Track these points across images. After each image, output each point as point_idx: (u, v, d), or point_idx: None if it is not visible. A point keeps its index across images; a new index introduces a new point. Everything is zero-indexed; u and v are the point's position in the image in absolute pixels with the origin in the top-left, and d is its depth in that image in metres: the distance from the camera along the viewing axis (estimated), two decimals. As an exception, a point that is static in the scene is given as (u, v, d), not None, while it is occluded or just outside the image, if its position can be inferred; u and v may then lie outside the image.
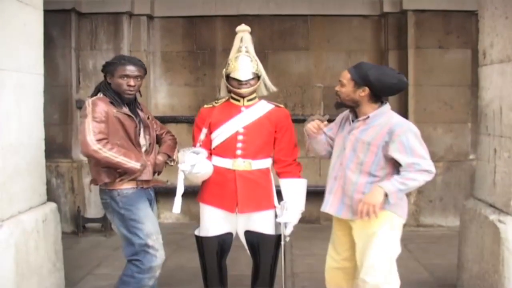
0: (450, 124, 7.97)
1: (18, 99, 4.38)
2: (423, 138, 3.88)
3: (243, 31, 4.50)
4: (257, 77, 4.41)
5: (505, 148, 4.47)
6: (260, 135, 4.40)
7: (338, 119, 4.23)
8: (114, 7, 7.99)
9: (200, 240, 4.53)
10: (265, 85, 4.53)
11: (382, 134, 3.85)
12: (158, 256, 4.11)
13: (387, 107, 3.98)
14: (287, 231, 4.35)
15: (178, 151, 4.28)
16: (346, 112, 4.16)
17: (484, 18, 4.84)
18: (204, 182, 4.44)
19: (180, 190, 4.18)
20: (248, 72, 4.35)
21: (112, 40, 8.09)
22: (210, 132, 4.44)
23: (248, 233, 4.46)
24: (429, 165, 3.82)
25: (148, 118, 4.33)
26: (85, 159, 7.65)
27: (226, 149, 4.38)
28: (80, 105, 7.70)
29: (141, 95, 4.32)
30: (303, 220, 4.51)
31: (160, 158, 4.28)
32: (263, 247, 4.48)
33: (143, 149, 4.17)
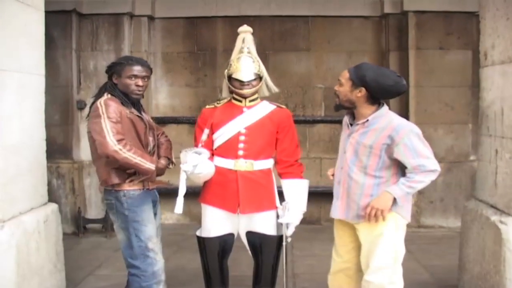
0: (451, 125, 7.98)
1: (19, 100, 4.38)
2: (424, 138, 3.88)
3: (245, 32, 4.50)
4: (259, 78, 4.41)
5: (507, 149, 4.47)
6: (262, 135, 4.40)
7: (343, 124, 4.21)
8: (115, 8, 7.99)
9: (201, 241, 4.53)
10: (267, 85, 4.53)
11: (383, 136, 3.84)
12: (158, 259, 4.11)
13: (385, 109, 3.97)
14: (288, 232, 4.35)
15: (180, 152, 4.26)
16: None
17: (486, 19, 4.84)
18: (206, 182, 4.44)
19: (182, 191, 4.17)
20: (250, 73, 4.35)
21: (113, 41, 8.09)
22: (212, 132, 4.43)
23: (249, 234, 4.46)
24: (434, 164, 3.82)
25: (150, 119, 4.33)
26: (85, 159, 7.76)
27: (228, 149, 4.38)
28: (81, 106, 7.75)
29: (143, 96, 4.32)
30: (304, 221, 4.50)
31: (163, 162, 4.26)
32: (265, 248, 4.47)
33: (148, 149, 4.16)
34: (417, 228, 7.82)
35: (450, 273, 5.55)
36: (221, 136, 4.39)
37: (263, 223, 4.42)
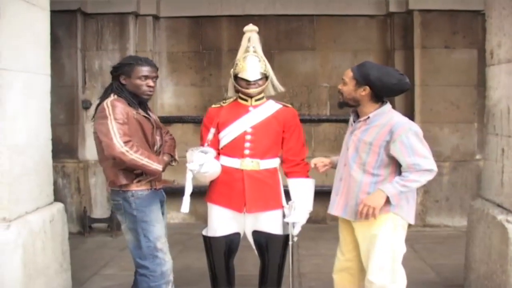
0: (457, 124, 7.95)
1: (25, 100, 4.38)
2: (429, 138, 3.89)
3: (251, 31, 4.50)
4: (265, 77, 4.41)
5: (513, 148, 4.46)
6: (268, 134, 4.40)
7: (349, 123, 4.23)
8: (120, 7, 7.99)
9: (207, 240, 4.53)
10: (273, 85, 4.53)
11: (383, 134, 3.86)
12: (167, 259, 4.10)
13: (387, 106, 3.98)
14: (295, 231, 4.34)
15: (186, 151, 4.26)
16: (352, 115, 4.17)
17: (492, 18, 4.83)
18: (212, 182, 4.44)
19: (188, 190, 4.16)
20: (256, 72, 4.34)
21: (118, 41, 8.09)
22: (218, 131, 4.43)
23: (256, 233, 4.46)
24: (430, 164, 3.81)
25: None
26: (91, 159, 7.77)
27: (234, 148, 4.38)
28: (86, 105, 7.75)
29: None
30: (309, 220, 4.50)
31: (166, 158, 4.25)
32: (271, 247, 4.47)
33: (154, 149, 4.15)
34: (423, 227, 7.81)
35: (456, 272, 5.55)
36: (227, 135, 4.39)
37: (269, 222, 4.43)
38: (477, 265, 4.84)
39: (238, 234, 4.50)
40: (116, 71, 4.12)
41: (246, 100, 4.44)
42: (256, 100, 4.44)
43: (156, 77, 4.17)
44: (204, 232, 4.58)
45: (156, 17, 8.40)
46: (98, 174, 7.74)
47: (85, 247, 7.14)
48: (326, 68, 8.48)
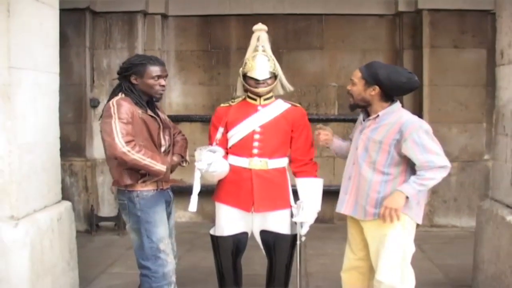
0: (465, 124, 7.94)
1: (34, 98, 4.39)
2: (437, 138, 3.87)
3: (260, 30, 4.48)
4: (274, 76, 4.40)
5: (523, 149, 4.45)
6: (277, 134, 4.39)
7: (358, 122, 4.23)
8: (129, 6, 8.00)
9: (215, 240, 4.53)
10: (282, 84, 4.52)
11: (392, 132, 3.86)
12: (169, 261, 4.08)
13: (397, 105, 3.99)
14: (303, 231, 4.34)
15: (194, 150, 4.25)
16: (362, 114, 4.17)
17: (502, 17, 4.80)
18: (220, 181, 4.44)
19: (196, 189, 4.16)
20: (265, 71, 4.33)
21: (126, 39, 8.09)
22: (226, 131, 4.43)
23: (263, 233, 4.45)
24: (443, 160, 3.82)
25: (166, 118, 4.31)
26: (98, 157, 7.78)
27: (243, 148, 4.37)
28: (94, 103, 7.76)
29: None
30: (317, 219, 4.48)
31: (175, 159, 4.23)
32: (279, 247, 4.46)
33: (162, 149, 4.13)
34: (430, 228, 7.80)
35: (464, 273, 5.53)
36: (236, 134, 4.39)
37: (277, 222, 4.42)
38: (486, 266, 4.82)
39: (245, 233, 4.49)
40: (127, 71, 4.08)
41: (255, 100, 4.43)
42: (265, 100, 4.44)
43: (167, 76, 4.17)
44: (211, 232, 4.57)
45: (164, 16, 8.40)
46: (106, 172, 7.74)
47: (93, 246, 7.15)
48: (334, 67, 8.47)
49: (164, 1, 8.29)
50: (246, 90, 4.47)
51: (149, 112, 4.07)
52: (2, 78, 4.00)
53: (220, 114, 4.50)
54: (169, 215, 4.25)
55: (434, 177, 3.81)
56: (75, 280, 4.97)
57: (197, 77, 8.58)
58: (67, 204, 4.91)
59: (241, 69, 4.44)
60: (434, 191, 7.68)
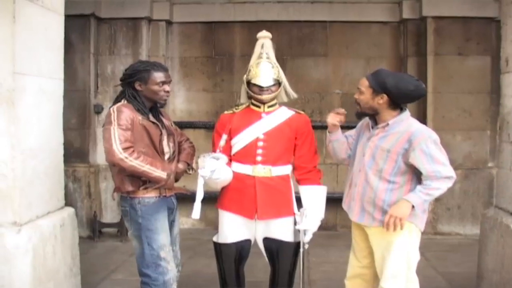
0: (469, 132, 7.93)
1: (38, 104, 4.38)
2: (441, 145, 3.86)
3: (264, 37, 4.48)
4: (278, 83, 4.40)
5: (527, 157, 4.43)
6: (280, 141, 4.39)
7: (359, 125, 4.23)
8: (133, 12, 8.02)
9: (218, 247, 4.51)
10: (286, 91, 4.52)
11: (401, 141, 3.84)
12: (170, 268, 4.06)
13: (406, 114, 3.97)
14: (306, 238, 4.32)
15: (198, 157, 4.24)
16: (366, 119, 4.14)
17: (507, 25, 4.80)
18: (223, 188, 4.43)
19: (199, 196, 4.15)
20: (269, 78, 4.33)
21: (131, 45, 8.12)
22: (230, 138, 4.42)
23: (266, 240, 4.44)
24: (450, 171, 3.81)
25: (171, 125, 4.30)
26: (102, 163, 7.79)
27: (246, 155, 4.36)
28: (98, 110, 7.77)
29: None
30: (320, 227, 4.46)
31: (181, 166, 4.22)
32: (282, 254, 4.45)
33: (166, 156, 4.12)
34: (434, 235, 7.79)
35: (467, 280, 5.52)
36: (239, 141, 4.38)
37: (281, 229, 4.40)
38: (490, 274, 4.80)
39: (249, 241, 4.48)
40: (131, 77, 4.07)
41: (259, 107, 4.43)
42: (269, 107, 4.43)
43: (171, 81, 4.17)
44: (214, 239, 4.56)
45: (169, 22, 8.42)
46: (109, 178, 7.74)
47: (95, 252, 7.15)
48: (338, 74, 8.46)
49: (169, 7, 8.31)
50: (250, 97, 4.46)
51: (151, 118, 4.06)
52: (6, 83, 4.00)
53: (224, 121, 4.49)
54: (172, 222, 4.24)
55: (440, 187, 3.81)
56: (78, 286, 4.95)
57: (201, 83, 8.60)
58: (70, 210, 4.90)
59: (245, 76, 4.43)
60: (437, 199, 7.64)
